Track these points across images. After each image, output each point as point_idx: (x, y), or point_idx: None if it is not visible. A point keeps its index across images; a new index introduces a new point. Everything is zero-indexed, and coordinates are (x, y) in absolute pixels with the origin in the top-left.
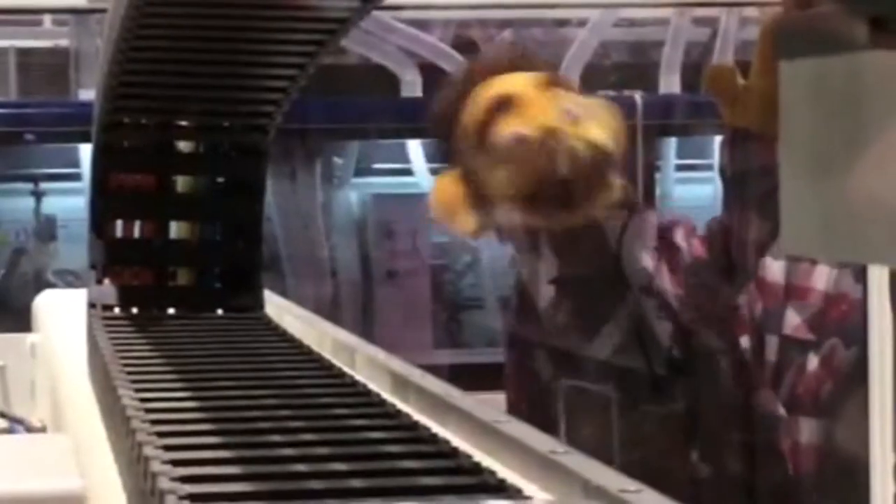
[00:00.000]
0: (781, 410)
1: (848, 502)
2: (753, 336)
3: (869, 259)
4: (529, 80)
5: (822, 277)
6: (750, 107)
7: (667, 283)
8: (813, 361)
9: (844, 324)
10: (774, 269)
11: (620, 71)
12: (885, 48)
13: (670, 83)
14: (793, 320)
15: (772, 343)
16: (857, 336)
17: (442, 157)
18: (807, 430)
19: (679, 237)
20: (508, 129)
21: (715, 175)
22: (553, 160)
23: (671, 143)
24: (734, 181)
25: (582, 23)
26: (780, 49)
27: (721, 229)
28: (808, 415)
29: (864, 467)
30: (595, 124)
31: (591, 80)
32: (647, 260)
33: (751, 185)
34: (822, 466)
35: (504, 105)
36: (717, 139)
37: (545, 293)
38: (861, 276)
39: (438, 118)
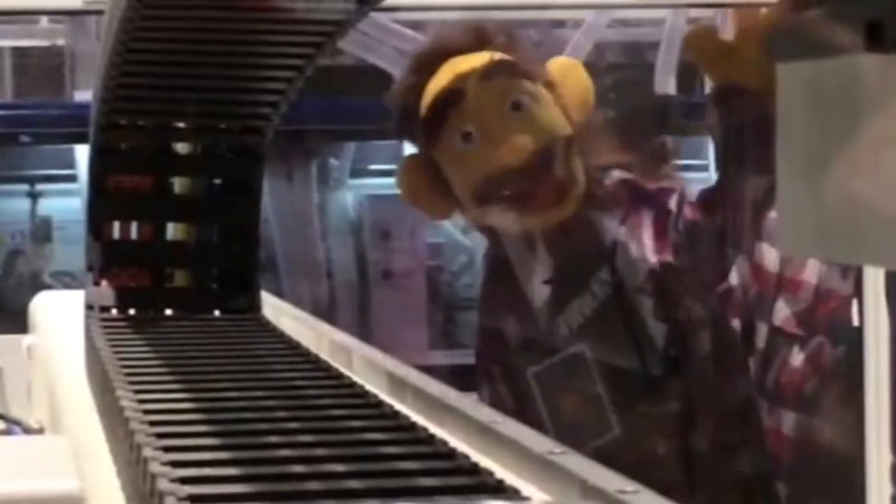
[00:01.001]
0: (762, 398)
1: (827, 496)
2: (744, 319)
3: (864, 260)
4: (476, 69)
5: (813, 271)
6: (734, 61)
7: (650, 250)
8: (798, 357)
9: (832, 322)
10: (770, 256)
11: (617, 72)
12: (879, 52)
13: (666, 84)
14: (783, 312)
15: (762, 330)
16: (844, 335)
17: (400, 136)
18: (787, 422)
19: (672, 203)
20: (456, 127)
21: (711, 174)
22: (500, 157)
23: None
24: (725, 139)
25: (579, 24)
26: (776, 52)
27: (712, 194)
28: (789, 408)
29: (847, 464)
30: (543, 109)
31: None
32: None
33: (741, 142)
34: (801, 459)
35: (451, 100)
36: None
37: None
38: (846, 272)
39: (397, 105)
